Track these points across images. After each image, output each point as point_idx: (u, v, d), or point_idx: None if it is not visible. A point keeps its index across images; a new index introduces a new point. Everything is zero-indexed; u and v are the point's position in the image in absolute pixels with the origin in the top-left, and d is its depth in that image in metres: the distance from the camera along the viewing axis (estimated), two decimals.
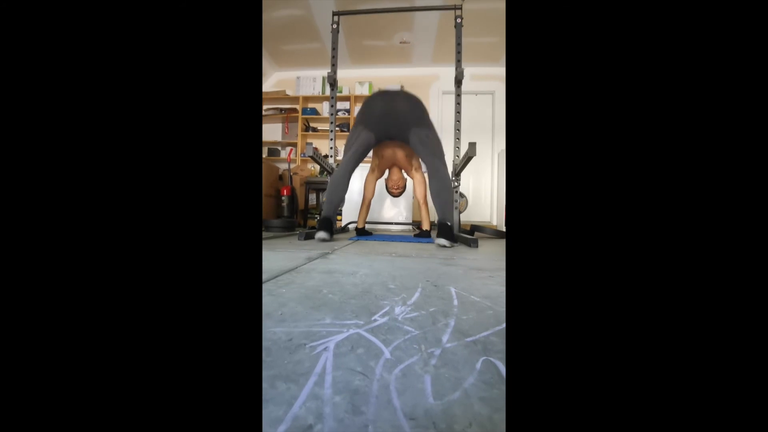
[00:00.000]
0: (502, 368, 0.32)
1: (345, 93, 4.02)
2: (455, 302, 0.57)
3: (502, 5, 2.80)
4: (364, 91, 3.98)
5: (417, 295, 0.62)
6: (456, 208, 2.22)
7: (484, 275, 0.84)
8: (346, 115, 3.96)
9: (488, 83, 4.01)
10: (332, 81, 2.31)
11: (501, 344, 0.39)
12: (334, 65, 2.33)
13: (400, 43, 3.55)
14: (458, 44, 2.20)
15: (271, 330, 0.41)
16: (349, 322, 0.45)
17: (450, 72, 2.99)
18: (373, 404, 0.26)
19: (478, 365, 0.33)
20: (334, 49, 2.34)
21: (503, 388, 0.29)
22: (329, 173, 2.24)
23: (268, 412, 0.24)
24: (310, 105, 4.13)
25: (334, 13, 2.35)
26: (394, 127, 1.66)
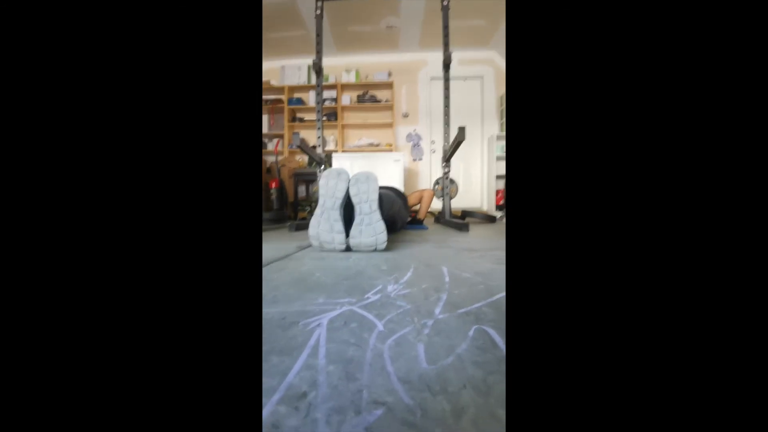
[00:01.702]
0: (495, 335, 0.33)
1: (331, 81, 3.94)
2: (447, 279, 0.58)
3: None
4: (351, 78, 3.91)
5: (409, 274, 0.62)
6: (447, 194, 2.23)
7: (475, 255, 0.85)
8: (333, 104, 3.89)
9: (477, 67, 3.98)
10: (318, 69, 2.25)
11: (493, 314, 0.39)
12: (319, 52, 2.27)
13: (387, 27, 3.48)
14: (445, 27, 2.17)
15: (264, 311, 0.41)
16: (342, 300, 0.45)
17: (438, 57, 2.95)
18: (367, 371, 0.26)
19: (471, 333, 0.34)
20: (319, 35, 2.28)
21: (496, 352, 0.29)
22: (318, 164, 2.21)
23: (262, 383, 0.24)
24: (296, 95, 4.03)
25: None
26: None
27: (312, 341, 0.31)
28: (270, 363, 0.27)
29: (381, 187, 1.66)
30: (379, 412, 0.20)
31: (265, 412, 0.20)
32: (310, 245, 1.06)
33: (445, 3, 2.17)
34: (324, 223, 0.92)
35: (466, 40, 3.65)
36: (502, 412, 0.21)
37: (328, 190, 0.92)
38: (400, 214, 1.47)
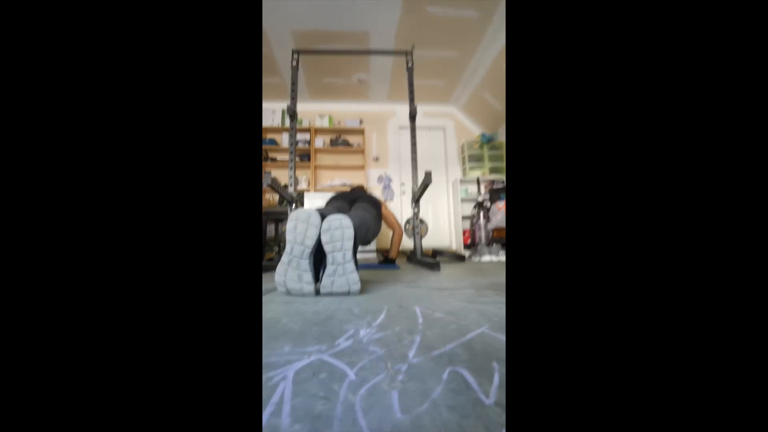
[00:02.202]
0: (468, 376, 0.32)
1: (305, 125, 4.08)
2: (420, 320, 0.57)
3: (448, 54, 3.14)
4: (324, 123, 4.08)
5: (382, 316, 0.60)
6: (418, 233, 2.27)
7: (446, 294, 0.85)
8: (306, 146, 3.99)
9: (439, 120, 4.36)
10: (292, 113, 2.34)
11: (465, 355, 0.39)
12: (293, 98, 2.37)
13: (358, 81, 3.76)
14: (410, 84, 2.40)
15: None
16: (310, 348, 0.42)
17: (405, 109, 3.21)
18: (337, 426, 0.24)
19: (445, 375, 0.33)
20: (294, 83, 2.40)
21: (470, 394, 0.28)
22: (289, 203, 2.18)
23: None
24: (269, 135, 4.10)
25: (294, 51, 2.44)
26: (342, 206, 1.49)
27: (275, 397, 0.28)
28: None
29: (356, 194, 1.54)
30: None
31: None
32: (272, 290, 1.00)
33: (409, 65, 2.43)
34: (291, 272, 0.83)
35: (429, 96, 4.03)
36: None
37: (297, 236, 0.83)
38: (374, 231, 1.34)
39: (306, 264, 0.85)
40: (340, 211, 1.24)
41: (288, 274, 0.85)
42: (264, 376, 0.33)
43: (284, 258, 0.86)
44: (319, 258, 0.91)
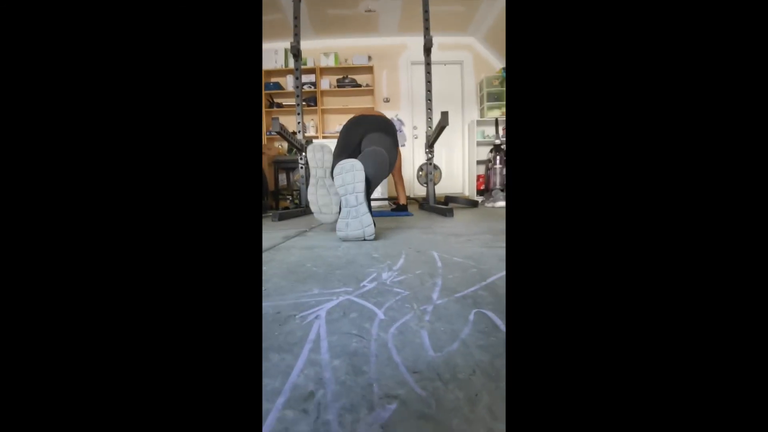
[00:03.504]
0: (495, 318, 0.33)
1: (310, 65, 3.78)
2: (439, 264, 0.58)
3: None
4: (330, 62, 3.77)
5: (402, 261, 0.61)
6: (431, 180, 2.23)
7: (462, 239, 0.85)
8: (312, 89, 3.75)
9: (456, 53, 3.95)
10: (296, 52, 2.15)
11: (490, 297, 0.39)
12: (297, 35, 2.16)
13: (366, 11, 3.35)
14: (426, 11, 2.11)
15: None
16: (337, 290, 0.44)
17: (418, 42, 2.89)
18: (374, 363, 0.25)
19: (471, 317, 0.33)
20: (296, 18, 2.16)
21: (499, 335, 0.29)
22: (299, 150, 2.14)
23: (263, 385, 0.22)
24: (273, 79, 3.85)
25: None
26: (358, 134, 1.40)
27: (312, 335, 0.30)
28: (270, 362, 0.26)
29: (370, 124, 1.33)
30: (392, 406, 0.19)
31: (271, 418, 0.19)
32: (295, 235, 1.03)
33: None
34: (320, 188, 0.97)
35: (445, 25, 3.59)
36: None
37: (317, 162, 0.97)
38: (391, 163, 1.19)
39: (364, 208, 0.88)
40: (372, 143, 1.19)
41: (318, 191, 0.96)
42: (298, 316, 0.35)
43: (311, 181, 0.96)
44: (369, 195, 0.95)
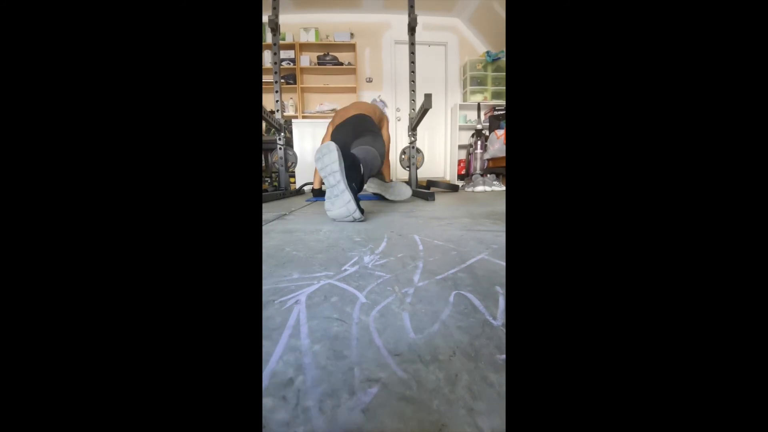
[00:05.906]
0: (474, 299, 0.34)
1: (289, 40, 3.58)
2: (420, 247, 0.58)
3: None
4: (311, 38, 3.58)
5: (384, 244, 0.61)
6: (413, 164, 2.22)
7: (443, 223, 0.86)
8: (291, 65, 3.57)
9: (441, 34, 3.86)
10: (274, 26, 2.02)
11: (469, 279, 0.40)
12: (275, 8, 2.03)
13: None
14: None
15: None
16: (318, 274, 0.43)
17: (402, 20, 2.79)
18: (355, 347, 0.25)
19: (451, 298, 0.34)
20: None
21: (478, 316, 0.30)
22: (277, 130, 2.05)
23: None
24: None
25: None
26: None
27: (292, 320, 0.29)
28: None
29: (356, 122, 1.53)
30: (374, 390, 0.19)
31: None
32: (275, 219, 1.01)
33: None
34: (337, 202, 0.91)
35: (430, 3, 3.48)
36: (494, 377, 0.21)
37: (326, 168, 0.91)
38: (380, 163, 1.35)
39: (342, 186, 0.90)
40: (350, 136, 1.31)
41: (335, 204, 0.91)
42: (277, 301, 0.34)
43: (328, 193, 0.93)
44: (355, 179, 0.95)
